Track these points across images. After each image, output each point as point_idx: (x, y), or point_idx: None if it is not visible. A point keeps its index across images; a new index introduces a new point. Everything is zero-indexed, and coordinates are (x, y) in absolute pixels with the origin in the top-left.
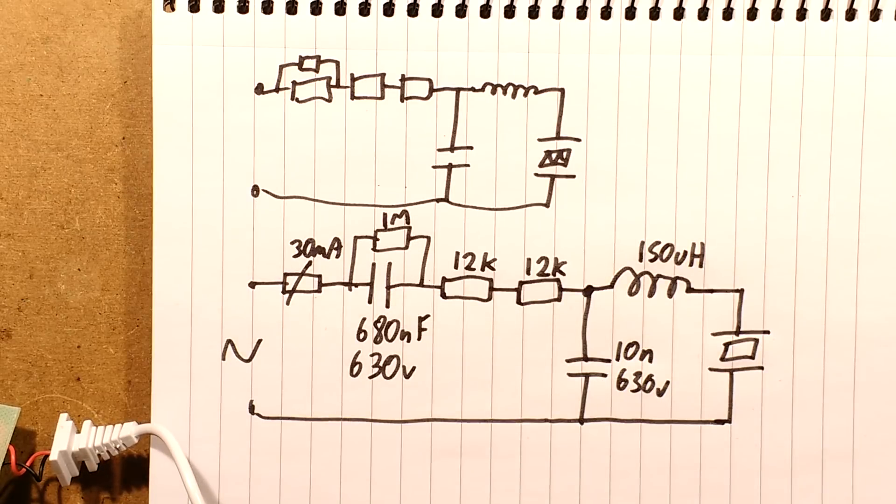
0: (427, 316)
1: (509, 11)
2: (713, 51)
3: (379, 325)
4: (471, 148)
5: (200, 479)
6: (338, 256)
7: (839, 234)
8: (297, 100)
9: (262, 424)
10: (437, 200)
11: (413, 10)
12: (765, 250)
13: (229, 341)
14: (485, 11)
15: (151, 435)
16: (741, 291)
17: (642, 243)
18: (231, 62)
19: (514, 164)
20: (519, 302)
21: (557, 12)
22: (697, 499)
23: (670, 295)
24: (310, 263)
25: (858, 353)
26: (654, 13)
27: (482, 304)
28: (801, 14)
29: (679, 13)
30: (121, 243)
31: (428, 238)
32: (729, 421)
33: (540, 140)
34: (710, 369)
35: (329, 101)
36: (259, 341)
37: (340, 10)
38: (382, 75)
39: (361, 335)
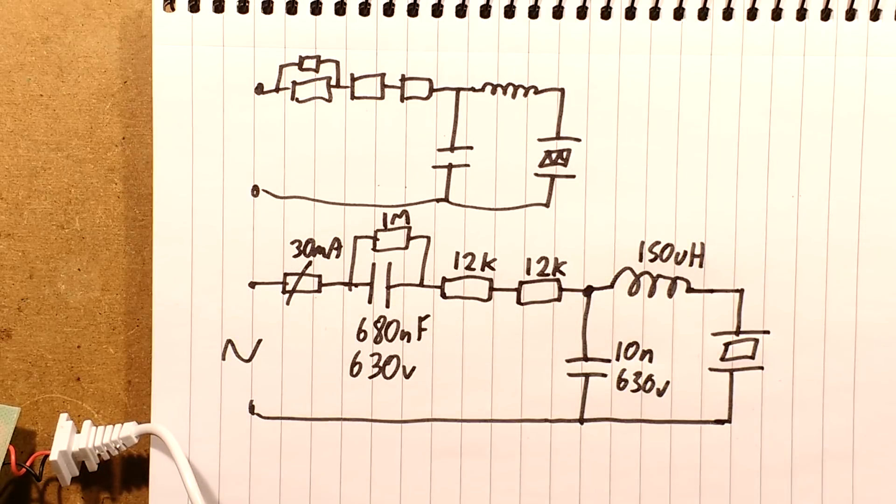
0: (427, 316)
1: (509, 11)
2: (713, 51)
3: (379, 325)
4: (471, 148)
5: (200, 479)
6: (338, 256)
7: (839, 234)
8: (297, 100)
9: (262, 424)
10: (437, 200)
11: (413, 10)
12: (765, 250)
13: (229, 341)
14: (485, 11)
15: (151, 435)
16: (741, 291)
17: (642, 243)
18: (231, 62)
19: (514, 164)
20: (519, 302)
21: (557, 12)
22: (697, 499)
23: (670, 295)
24: (310, 263)
25: (858, 353)
26: (654, 13)
27: (482, 304)
28: (801, 14)
29: (679, 13)
30: (121, 243)
31: (428, 238)
32: (729, 421)
33: (540, 140)
34: (710, 369)
35: (329, 101)
36: (259, 341)
37: (340, 10)
38: (382, 75)
39: (361, 335)
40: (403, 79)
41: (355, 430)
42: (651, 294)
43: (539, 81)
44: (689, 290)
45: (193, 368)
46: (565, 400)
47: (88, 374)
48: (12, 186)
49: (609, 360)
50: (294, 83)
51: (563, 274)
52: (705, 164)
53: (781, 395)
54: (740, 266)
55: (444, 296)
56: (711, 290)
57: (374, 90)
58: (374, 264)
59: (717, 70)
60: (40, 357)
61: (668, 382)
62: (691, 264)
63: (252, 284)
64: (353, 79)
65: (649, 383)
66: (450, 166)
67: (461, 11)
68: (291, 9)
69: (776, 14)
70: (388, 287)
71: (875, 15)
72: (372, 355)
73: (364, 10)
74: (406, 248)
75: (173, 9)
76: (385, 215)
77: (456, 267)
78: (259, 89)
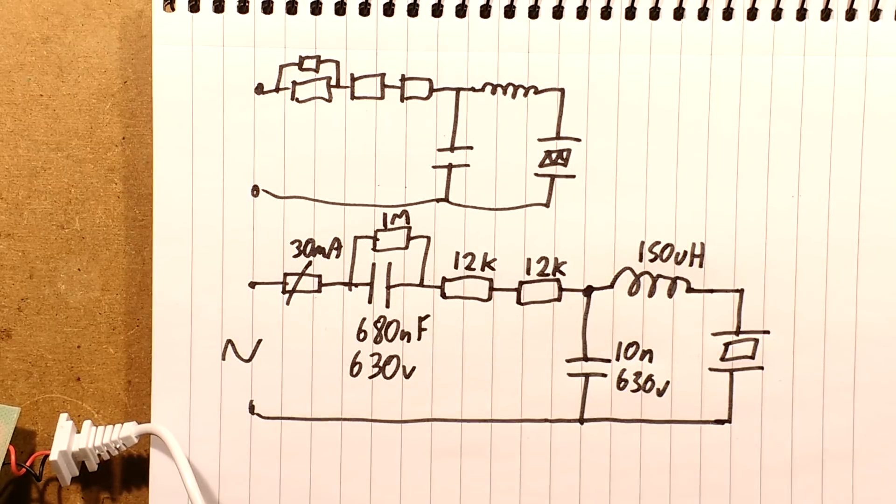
0: (427, 316)
1: (509, 11)
2: (713, 51)
3: (379, 325)
4: (471, 148)
5: (200, 479)
6: (338, 256)
7: (839, 234)
8: (297, 100)
9: (262, 424)
10: (437, 200)
11: (413, 10)
12: (765, 250)
13: (229, 341)
14: (485, 11)
15: (151, 435)
16: (741, 291)
17: (642, 243)
18: (231, 62)
19: (514, 164)
20: (519, 302)
21: (557, 12)
22: (697, 499)
23: (670, 295)
24: (310, 263)
25: (858, 353)
26: (654, 13)
27: (482, 304)
28: (801, 14)
29: (679, 13)
30: (121, 243)
31: (428, 238)
32: (729, 421)
33: (540, 140)
34: (710, 369)
35: (329, 101)
36: (259, 341)
37: (340, 10)
38: (382, 75)
39: (361, 335)
40: (403, 79)
41: (355, 430)
42: (651, 294)
43: (539, 81)
44: (689, 290)
45: (193, 368)
46: (565, 400)
47: (88, 374)
48: (12, 186)
49: (609, 360)
50: (294, 83)
51: (563, 274)
52: (705, 164)
53: (781, 395)
54: (740, 266)
55: (444, 296)
56: (711, 290)
57: (374, 90)
58: (374, 264)
59: (717, 70)
60: (40, 357)
61: (668, 382)
62: (691, 264)
63: (252, 284)
64: (353, 79)
65: (649, 383)
66: (450, 166)
67: (461, 11)
68: (291, 9)
69: (776, 14)
70: (388, 287)
71: (875, 15)
72: (372, 355)
73: (364, 10)
74: (406, 248)
75: (173, 9)
76: (385, 215)
77: (456, 267)
78: (259, 89)
